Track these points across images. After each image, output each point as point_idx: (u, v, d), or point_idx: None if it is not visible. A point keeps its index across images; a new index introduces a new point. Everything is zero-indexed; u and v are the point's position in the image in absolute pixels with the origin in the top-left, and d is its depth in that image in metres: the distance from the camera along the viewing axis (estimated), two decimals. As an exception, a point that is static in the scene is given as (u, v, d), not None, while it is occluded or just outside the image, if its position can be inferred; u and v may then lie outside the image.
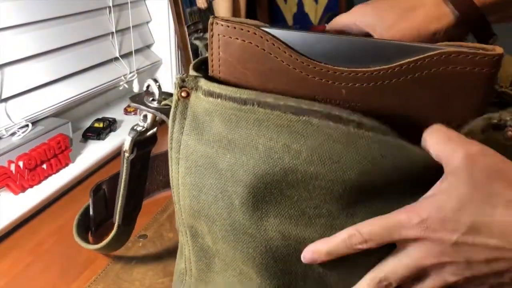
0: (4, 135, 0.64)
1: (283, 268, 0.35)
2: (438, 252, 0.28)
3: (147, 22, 0.98)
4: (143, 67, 0.94)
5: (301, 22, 1.25)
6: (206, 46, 0.45)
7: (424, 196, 0.30)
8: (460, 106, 0.32)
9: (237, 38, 0.35)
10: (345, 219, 0.33)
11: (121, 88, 0.89)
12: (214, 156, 0.35)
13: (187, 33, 0.91)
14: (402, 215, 0.29)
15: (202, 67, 0.39)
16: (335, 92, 0.34)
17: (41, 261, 0.53)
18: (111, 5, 0.84)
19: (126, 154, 0.46)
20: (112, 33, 0.85)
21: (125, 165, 0.47)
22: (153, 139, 0.49)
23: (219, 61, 0.37)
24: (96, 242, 0.55)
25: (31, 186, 0.63)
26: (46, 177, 0.65)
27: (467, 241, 0.27)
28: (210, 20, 0.36)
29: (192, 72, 0.37)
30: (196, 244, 0.39)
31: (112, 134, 0.81)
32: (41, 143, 0.65)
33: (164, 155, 0.56)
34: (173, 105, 0.36)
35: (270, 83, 0.35)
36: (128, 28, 0.89)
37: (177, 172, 0.38)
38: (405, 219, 0.29)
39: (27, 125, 0.66)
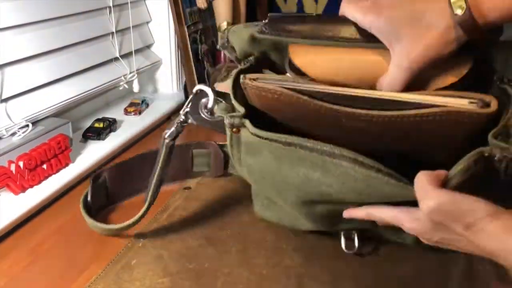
0: (4, 135, 0.64)
1: (330, 220, 0.49)
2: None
3: (147, 22, 0.98)
4: (143, 67, 0.94)
5: (301, 22, 1.25)
6: (248, 64, 0.50)
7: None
8: (453, 146, 0.39)
9: (267, 94, 0.43)
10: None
11: (121, 88, 0.89)
12: (267, 173, 0.44)
13: (187, 33, 0.91)
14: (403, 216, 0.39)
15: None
16: (358, 130, 0.41)
17: (41, 261, 0.53)
18: (111, 5, 0.84)
19: (167, 141, 0.53)
20: (112, 33, 0.85)
21: (164, 150, 0.54)
22: (182, 129, 0.55)
23: (256, 103, 0.45)
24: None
25: (31, 186, 0.63)
26: (46, 177, 0.65)
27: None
28: (241, 80, 0.44)
29: (235, 103, 0.45)
30: (263, 194, 0.53)
31: (112, 134, 0.81)
32: (41, 143, 0.65)
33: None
34: (228, 136, 0.45)
35: (301, 118, 0.43)
36: (128, 28, 0.89)
37: (241, 170, 0.48)
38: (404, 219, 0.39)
39: (27, 125, 0.66)
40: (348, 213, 0.45)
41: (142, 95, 0.96)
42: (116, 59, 0.87)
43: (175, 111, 0.96)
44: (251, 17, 1.10)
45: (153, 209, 0.60)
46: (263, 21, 0.48)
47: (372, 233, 0.53)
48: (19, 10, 0.66)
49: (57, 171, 0.67)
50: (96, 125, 0.80)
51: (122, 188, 0.64)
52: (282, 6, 1.21)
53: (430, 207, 0.34)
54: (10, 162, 0.61)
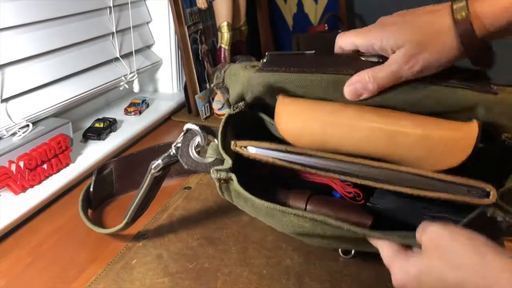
0: (4, 135, 0.64)
1: (327, 245, 0.50)
2: None
3: (147, 23, 0.98)
4: (143, 67, 0.94)
5: (301, 22, 1.25)
6: (227, 100, 0.49)
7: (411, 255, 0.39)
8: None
9: (260, 159, 0.44)
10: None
11: (121, 88, 0.89)
12: (259, 211, 0.45)
13: (187, 33, 0.91)
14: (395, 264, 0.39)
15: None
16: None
17: (41, 261, 0.53)
18: (111, 5, 0.84)
19: (153, 171, 0.52)
20: (113, 33, 0.85)
21: (148, 179, 0.53)
22: (176, 163, 0.53)
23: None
24: (96, 219, 0.61)
25: (32, 186, 0.63)
26: (46, 177, 0.65)
27: None
28: (232, 147, 0.44)
29: (223, 153, 0.45)
30: None
31: (112, 134, 0.81)
32: (42, 143, 0.65)
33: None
34: (217, 186, 0.46)
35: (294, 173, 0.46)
36: (128, 29, 0.89)
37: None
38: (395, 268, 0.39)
39: (27, 125, 0.66)
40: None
41: (142, 95, 0.96)
42: (116, 59, 0.87)
43: (175, 111, 0.96)
44: (251, 17, 1.11)
45: (153, 209, 0.60)
46: (262, 60, 0.47)
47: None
48: (19, 10, 0.67)
49: (58, 171, 0.67)
50: (97, 125, 0.80)
51: (127, 180, 0.65)
52: (282, 6, 1.21)
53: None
54: (11, 162, 0.61)
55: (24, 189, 0.62)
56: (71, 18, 0.76)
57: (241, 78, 0.46)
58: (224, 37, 0.97)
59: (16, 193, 0.61)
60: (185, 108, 0.96)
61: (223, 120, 0.46)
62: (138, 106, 0.90)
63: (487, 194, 0.38)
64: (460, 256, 0.34)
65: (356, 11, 1.34)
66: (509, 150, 0.40)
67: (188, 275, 0.50)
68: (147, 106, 0.94)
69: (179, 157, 0.49)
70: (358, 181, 0.41)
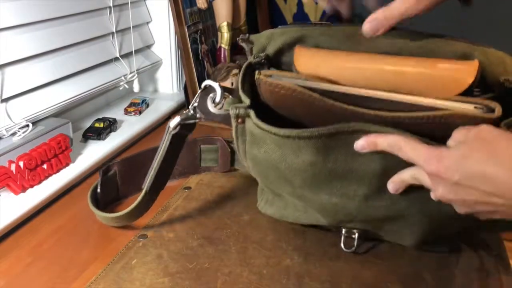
0: (4, 135, 0.64)
1: (333, 215, 0.50)
2: (443, 188, 0.39)
3: (147, 23, 0.98)
4: (143, 67, 0.94)
5: (301, 22, 1.25)
6: (251, 49, 0.51)
7: (446, 147, 0.39)
8: None
9: (280, 90, 0.44)
10: (376, 197, 0.45)
11: (121, 88, 0.89)
12: (272, 161, 0.46)
13: (187, 33, 0.91)
14: (427, 155, 0.39)
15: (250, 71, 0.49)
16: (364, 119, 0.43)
17: (41, 261, 0.53)
18: (111, 5, 0.84)
19: (170, 129, 0.54)
20: (112, 33, 0.85)
21: (166, 138, 0.54)
22: (193, 127, 0.56)
23: (268, 99, 0.47)
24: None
25: (32, 186, 0.63)
26: (46, 177, 0.65)
27: (464, 184, 0.37)
28: (256, 75, 0.46)
29: (242, 94, 0.46)
30: (269, 189, 0.55)
31: (112, 134, 0.81)
32: (42, 143, 0.65)
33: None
34: (233, 128, 0.47)
35: (310, 114, 0.45)
36: (128, 28, 0.89)
37: (245, 162, 0.50)
38: (428, 159, 0.39)
39: (27, 125, 0.66)
40: (367, 139, 0.42)
41: (142, 95, 0.96)
42: (116, 59, 0.87)
43: (175, 111, 0.96)
44: (251, 17, 1.10)
45: (153, 209, 0.60)
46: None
47: (373, 235, 0.53)
48: (19, 10, 0.67)
49: (58, 171, 0.67)
50: (96, 125, 0.80)
51: (132, 182, 0.64)
52: (282, 6, 1.21)
53: (481, 128, 0.38)
54: (11, 162, 0.61)
55: (24, 189, 0.62)
56: (71, 18, 0.76)
57: (266, 32, 0.50)
58: (224, 37, 0.97)
59: (16, 193, 0.61)
60: (185, 108, 0.96)
61: (243, 67, 0.48)
62: (138, 106, 0.90)
63: (492, 110, 0.39)
64: (507, 151, 0.36)
65: (356, 11, 1.34)
66: (509, 92, 0.42)
67: (188, 275, 0.50)
68: (147, 106, 0.94)
69: (197, 109, 0.52)
70: (373, 112, 0.42)
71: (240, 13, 1.03)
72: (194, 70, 0.93)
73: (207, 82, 0.52)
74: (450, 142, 0.40)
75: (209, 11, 0.98)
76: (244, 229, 0.58)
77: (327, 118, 0.43)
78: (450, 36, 0.45)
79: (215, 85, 0.52)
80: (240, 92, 0.47)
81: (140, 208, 0.57)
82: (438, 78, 0.42)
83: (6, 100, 0.66)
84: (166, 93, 1.03)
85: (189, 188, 0.67)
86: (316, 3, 1.18)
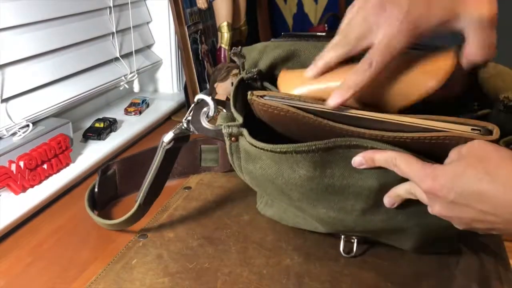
0: (5, 135, 0.64)
1: (332, 226, 0.50)
2: (440, 206, 0.39)
3: (148, 23, 0.98)
4: (144, 67, 0.94)
5: (301, 22, 1.25)
6: (243, 64, 0.51)
7: (441, 165, 0.39)
8: None
9: (273, 111, 0.44)
10: (374, 211, 0.45)
11: (121, 88, 0.89)
12: (269, 177, 0.46)
13: (187, 33, 0.91)
14: (423, 172, 0.39)
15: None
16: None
17: (41, 261, 0.53)
18: (111, 5, 0.84)
19: (164, 144, 0.54)
20: (113, 33, 0.85)
21: (160, 152, 0.54)
22: (187, 139, 0.57)
23: (261, 117, 0.46)
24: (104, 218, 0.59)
25: (32, 186, 0.63)
26: (46, 177, 0.65)
27: (459, 202, 0.37)
28: (248, 96, 0.45)
29: (234, 112, 0.46)
30: (266, 195, 0.54)
31: (112, 134, 0.81)
32: (42, 143, 0.65)
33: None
34: (227, 146, 0.47)
35: (305, 131, 0.44)
36: (128, 29, 0.89)
37: (242, 176, 0.50)
38: (423, 177, 0.39)
39: (27, 125, 0.66)
40: (365, 155, 0.42)
41: (143, 95, 0.96)
42: (116, 59, 0.87)
43: (175, 111, 0.96)
44: (251, 17, 1.11)
45: (153, 209, 0.60)
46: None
47: (372, 240, 0.53)
48: (19, 10, 0.67)
49: (58, 171, 0.67)
50: (97, 125, 0.80)
51: (131, 181, 0.65)
52: (282, 6, 1.21)
53: (474, 143, 0.37)
54: (11, 162, 0.61)
55: (24, 189, 0.62)
56: (71, 18, 0.76)
57: (258, 46, 0.50)
58: (224, 37, 0.97)
59: (16, 193, 0.61)
60: (185, 108, 0.96)
61: (235, 83, 0.48)
62: (138, 106, 0.90)
63: (490, 132, 0.38)
64: (501, 169, 0.35)
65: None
66: (508, 109, 0.42)
67: (188, 275, 0.50)
68: (147, 106, 0.94)
69: (190, 124, 0.52)
70: (368, 132, 0.41)
71: (240, 13, 1.03)
72: (194, 70, 0.93)
73: (200, 96, 0.52)
74: (446, 161, 0.39)
75: (209, 11, 0.98)
76: (244, 229, 0.58)
77: (324, 135, 0.42)
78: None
79: (208, 99, 0.51)
80: (233, 110, 0.46)
81: (133, 218, 0.56)
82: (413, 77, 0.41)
83: (6, 100, 0.66)
84: (166, 93, 1.03)
85: (189, 188, 0.67)
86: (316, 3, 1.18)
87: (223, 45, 0.97)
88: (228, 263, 0.52)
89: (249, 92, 0.45)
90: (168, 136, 0.54)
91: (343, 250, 0.53)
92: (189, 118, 0.53)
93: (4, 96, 0.65)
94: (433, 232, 0.47)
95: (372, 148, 0.41)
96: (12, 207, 0.59)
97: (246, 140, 0.45)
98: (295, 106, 0.42)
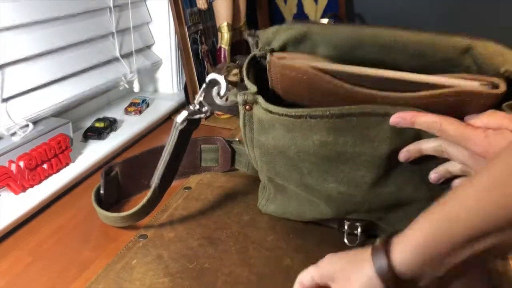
0: (4, 135, 0.64)
1: (339, 205, 0.50)
2: None
3: (148, 23, 0.98)
4: (144, 67, 0.94)
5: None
6: (257, 43, 0.52)
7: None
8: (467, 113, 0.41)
9: (291, 72, 0.44)
10: (383, 183, 0.46)
11: (121, 88, 0.89)
12: (281, 147, 0.46)
13: (187, 33, 0.91)
14: (476, 134, 0.39)
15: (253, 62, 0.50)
16: (371, 102, 0.43)
17: (41, 261, 0.53)
18: (111, 5, 0.84)
19: (178, 124, 0.55)
20: (113, 33, 0.85)
21: (174, 133, 0.56)
22: (198, 122, 0.57)
23: (278, 83, 0.47)
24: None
25: (32, 186, 0.63)
26: (46, 177, 0.65)
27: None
28: (268, 57, 0.46)
29: (248, 82, 0.47)
30: (273, 182, 0.55)
31: (112, 134, 0.81)
32: (42, 143, 0.65)
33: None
34: (241, 115, 0.47)
35: (318, 97, 0.45)
36: (128, 29, 0.89)
37: (253, 153, 0.50)
38: (474, 137, 0.39)
39: (27, 125, 0.66)
40: (405, 116, 0.41)
41: (143, 95, 0.96)
42: (116, 59, 0.87)
43: (175, 111, 0.96)
44: (251, 18, 1.11)
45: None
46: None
47: (377, 229, 0.53)
48: (20, 10, 0.67)
49: (58, 170, 0.67)
50: (97, 124, 0.80)
51: (133, 183, 0.65)
52: (282, 6, 1.21)
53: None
54: (11, 161, 0.61)
55: (24, 189, 0.62)
56: (72, 18, 0.76)
57: (272, 28, 0.50)
58: (224, 37, 0.97)
59: (16, 193, 0.61)
60: (190, 103, 0.96)
61: (248, 58, 0.49)
62: (138, 106, 0.90)
63: (497, 86, 0.39)
64: None
65: (356, 11, 1.34)
66: (510, 82, 0.42)
67: (188, 275, 0.50)
68: (147, 106, 0.94)
69: (203, 100, 0.54)
70: (380, 93, 0.42)
71: (240, 13, 1.03)
72: (194, 70, 0.93)
73: (212, 76, 0.53)
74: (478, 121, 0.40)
75: (209, 12, 0.98)
76: (244, 229, 0.58)
77: (338, 104, 0.43)
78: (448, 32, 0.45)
79: (220, 78, 0.52)
80: (246, 81, 0.47)
81: (148, 206, 0.57)
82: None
83: (6, 100, 0.66)
84: (166, 93, 1.03)
85: (189, 188, 0.67)
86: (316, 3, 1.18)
87: (223, 45, 0.97)
88: (228, 263, 0.52)
89: (268, 54, 0.46)
90: (181, 116, 0.55)
91: (348, 241, 0.53)
92: (201, 98, 0.54)
93: (4, 96, 0.65)
94: None
95: (386, 114, 0.41)
96: (12, 207, 0.59)
97: (261, 107, 0.45)
98: (314, 67, 0.43)
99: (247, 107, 0.46)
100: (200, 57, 0.95)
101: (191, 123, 0.56)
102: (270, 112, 0.45)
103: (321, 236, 0.56)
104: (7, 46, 0.65)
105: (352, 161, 0.45)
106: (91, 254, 0.54)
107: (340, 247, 0.53)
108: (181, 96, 1.00)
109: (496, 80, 0.40)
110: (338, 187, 0.47)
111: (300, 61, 0.44)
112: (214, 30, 1.01)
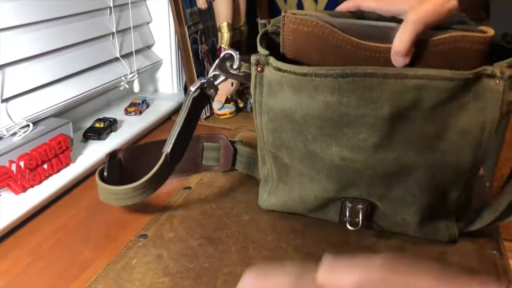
0: (5, 135, 0.64)
1: (342, 176, 0.51)
2: None
3: (148, 23, 0.98)
4: (144, 67, 0.94)
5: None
6: (274, 28, 0.54)
7: None
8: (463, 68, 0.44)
9: (303, 27, 0.49)
10: (384, 147, 0.47)
11: (121, 88, 0.89)
12: (288, 110, 0.49)
13: (187, 33, 0.91)
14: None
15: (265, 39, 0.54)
16: (376, 61, 0.48)
17: (41, 261, 0.53)
18: (111, 5, 0.84)
19: (191, 92, 0.59)
20: (113, 33, 0.86)
21: (187, 101, 0.59)
22: (208, 99, 0.62)
23: (289, 42, 0.51)
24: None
25: (32, 186, 0.63)
26: (47, 177, 0.65)
27: None
28: (283, 13, 0.50)
29: (260, 49, 0.50)
30: (277, 162, 0.56)
31: (112, 134, 0.81)
32: (42, 143, 0.65)
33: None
34: (252, 77, 0.50)
35: (326, 57, 0.49)
36: (128, 29, 0.89)
37: (261, 121, 0.52)
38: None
39: (28, 125, 0.66)
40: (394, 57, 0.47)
41: (143, 95, 0.97)
42: (116, 59, 0.87)
43: (175, 111, 0.96)
44: (251, 17, 1.11)
45: (153, 209, 0.60)
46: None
47: (377, 215, 0.54)
48: (20, 10, 0.67)
49: (58, 171, 0.67)
50: (97, 125, 0.80)
51: (136, 170, 0.65)
52: (282, 6, 1.21)
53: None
54: (11, 162, 0.61)
55: (24, 189, 0.62)
56: (71, 18, 0.76)
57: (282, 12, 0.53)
58: (224, 37, 0.97)
59: (17, 193, 0.61)
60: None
61: (261, 32, 0.54)
62: (138, 106, 0.90)
63: (485, 32, 0.45)
64: None
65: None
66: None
67: (188, 275, 0.50)
68: (147, 106, 0.94)
69: (217, 69, 0.58)
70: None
71: (240, 13, 1.03)
72: (194, 70, 0.93)
73: (228, 51, 0.57)
74: None
75: (209, 12, 0.98)
76: (244, 229, 0.58)
77: (343, 65, 0.46)
78: None
79: (234, 52, 0.57)
80: (259, 47, 0.51)
81: (158, 176, 0.58)
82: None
83: (7, 100, 0.66)
84: (166, 93, 1.03)
85: (189, 188, 0.67)
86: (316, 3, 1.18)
87: (223, 45, 0.97)
88: (228, 263, 0.52)
89: (283, 11, 0.50)
90: (195, 85, 0.59)
91: (350, 224, 0.54)
92: (215, 72, 0.59)
93: (4, 96, 0.65)
94: (439, 179, 0.49)
95: (385, 75, 0.44)
96: (12, 207, 0.59)
97: (272, 67, 0.48)
98: (324, 21, 0.48)
99: (258, 68, 0.49)
100: (200, 57, 0.95)
101: (202, 97, 0.60)
102: (280, 70, 0.48)
103: (321, 236, 0.56)
104: (8, 46, 0.65)
105: (355, 123, 0.47)
106: (91, 254, 0.54)
107: (341, 247, 0.54)
108: (181, 96, 1.00)
109: (484, 28, 0.45)
110: (341, 152, 0.49)
111: (311, 16, 0.48)
112: (214, 30, 1.01)
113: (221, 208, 0.62)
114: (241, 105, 0.97)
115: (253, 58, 0.50)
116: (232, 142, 0.70)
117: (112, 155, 0.63)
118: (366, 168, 0.49)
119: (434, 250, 0.55)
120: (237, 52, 0.57)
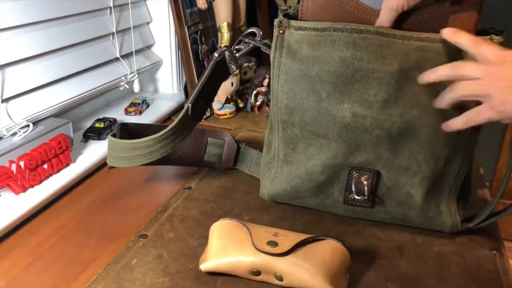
0: (5, 135, 0.64)
1: (352, 137, 0.54)
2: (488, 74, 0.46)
3: (148, 23, 0.98)
4: (144, 67, 0.94)
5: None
6: (295, 11, 0.57)
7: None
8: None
9: None
10: (392, 103, 0.52)
11: (121, 88, 0.89)
12: (305, 68, 0.54)
13: (187, 33, 0.91)
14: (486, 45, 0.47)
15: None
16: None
17: (41, 261, 0.53)
18: (111, 5, 0.84)
19: (215, 57, 0.63)
20: (113, 33, 0.86)
21: (211, 63, 0.63)
22: (228, 70, 0.66)
23: (307, 9, 0.54)
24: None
25: (32, 186, 0.63)
26: (47, 177, 0.66)
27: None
28: None
29: (281, 17, 0.54)
30: (285, 134, 0.59)
31: (112, 134, 0.81)
32: (42, 143, 0.65)
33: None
34: (274, 38, 0.55)
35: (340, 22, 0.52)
36: (128, 29, 0.90)
37: (277, 83, 0.56)
38: (486, 49, 0.47)
39: (28, 125, 0.66)
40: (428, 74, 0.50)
41: (143, 95, 0.97)
42: (116, 59, 0.87)
43: (175, 111, 0.96)
44: (251, 17, 1.11)
45: (153, 209, 0.60)
46: None
47: (381, 187, 0.56)
48: (20, 10, 0.67)
49: (58, 171, 0.67)
50: (97, 125, 0.80)
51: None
52: (282, 6, 1.21)
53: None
54: (11, 162, 0.61)
55: (24, 189, 0.62)
56: (71, 18, 0.76)
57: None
58: (224, 37, 0.97)
59: (17, 193, 0.61)
60: (185, 108, 0.96)
61: (283, 12, 0.56)
62: (138, 106, 0.90)
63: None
64: None
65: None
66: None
67: (188, 275, 0.50)
68: (147, 106, 0.94)
69: (242, 38, 0.64)
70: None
71: (240, 13, 1.03)
72: (194, 70, 0.93)
73: (252, 28, 0.65)
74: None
75: (209, 12, 0.98)
76: (244, 229, 0.58)
77: (359, 23, 0.50)
78: None
79: (257, 30, 0.64)
80: (281, 17, 0.54)
81: (178, 129, 0.61)
82: None
83: (7, 100, 0.66)
84: (166, 93, 1.03)
85: (189, 188, 0.67)
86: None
87: (223, 45, 0.97)
88: (228, 263, 0.52)
89: None
90: (219, 51, 0.64)
91: (356, 194, 0.56)
92: (237, 46, 0.65)
93: (4, 96, 0.65)
94: (440, 142, 0.53)
95: (394, 35, 0.50)
96: (12, 207, 0.59)
97: (294, 27, 0.52)
98: None
99: (280, 30, 0.53)
100: (200, 57, 0.95)
101: (224, 67, 0.64)
102: (301, 29, 0.52)
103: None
104: (8, 46, 0.65)
105: (366, 78, 0.51)
106: (91, 254, 0.54)
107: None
108: (181, 96, 1.00)
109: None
110: (353, 107, 0.53)
111: None
112: (214, 30, 1.01)
113: (221, 208, 0.62)
114: (241, 105, 0.97)
115: (276, 21, 0.53)
116: (237, 142, 0.70)
117: (123, 125, 0.65)
118: (375, 126, 0.53)
119: (434, 250, 0.55)
120: (259, 29, 0.65)
